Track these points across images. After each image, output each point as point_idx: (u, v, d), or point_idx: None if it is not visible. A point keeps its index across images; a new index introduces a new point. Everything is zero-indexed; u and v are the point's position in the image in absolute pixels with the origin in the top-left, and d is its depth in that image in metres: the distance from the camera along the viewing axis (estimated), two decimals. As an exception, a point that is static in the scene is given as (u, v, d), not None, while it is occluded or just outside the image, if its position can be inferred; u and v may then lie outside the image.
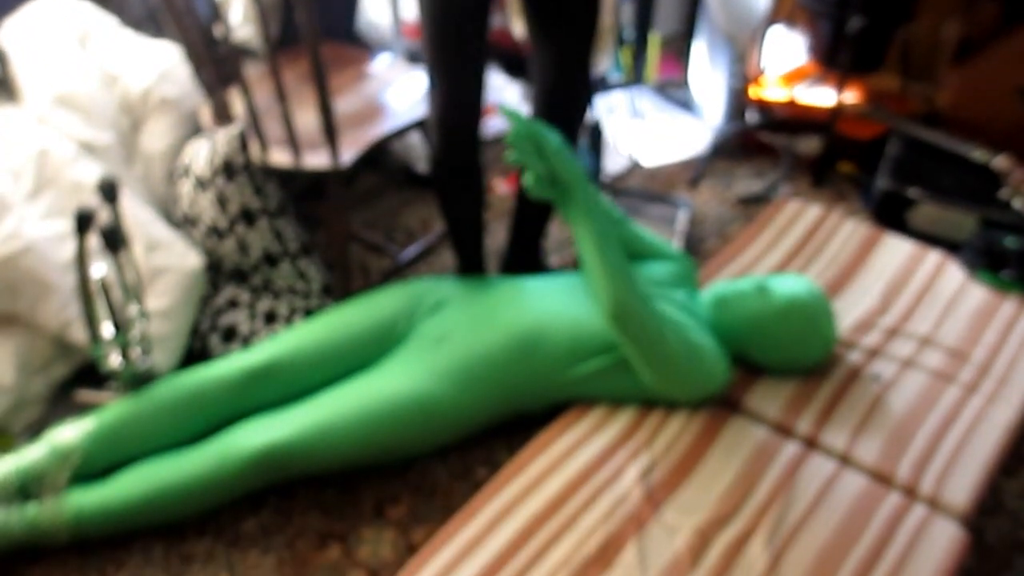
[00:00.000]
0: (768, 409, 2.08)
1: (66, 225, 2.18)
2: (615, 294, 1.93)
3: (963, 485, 1.90)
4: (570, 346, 2.09)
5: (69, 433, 1.97)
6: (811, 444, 2.01)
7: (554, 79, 2.26)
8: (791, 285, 2.15)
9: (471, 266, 2.54)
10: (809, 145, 3.32)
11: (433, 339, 2.15)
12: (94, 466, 1.97)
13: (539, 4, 2.18)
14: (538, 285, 2.29)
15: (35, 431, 2.14)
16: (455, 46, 2.11)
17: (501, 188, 3.22)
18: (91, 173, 2.26)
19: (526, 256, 2.67)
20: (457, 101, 2.20)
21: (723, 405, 2.11)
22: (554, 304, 2.18)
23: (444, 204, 2.42)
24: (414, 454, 2.14)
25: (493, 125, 3.49)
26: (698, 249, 2.92)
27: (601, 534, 1.79)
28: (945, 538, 1.78)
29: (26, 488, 1.92)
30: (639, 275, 2.24)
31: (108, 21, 2.60)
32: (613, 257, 1.96)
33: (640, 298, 1.96)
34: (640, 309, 1.95)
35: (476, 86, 2.19)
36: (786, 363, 2.13)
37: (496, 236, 2.97)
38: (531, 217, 2.56)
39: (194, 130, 2.57)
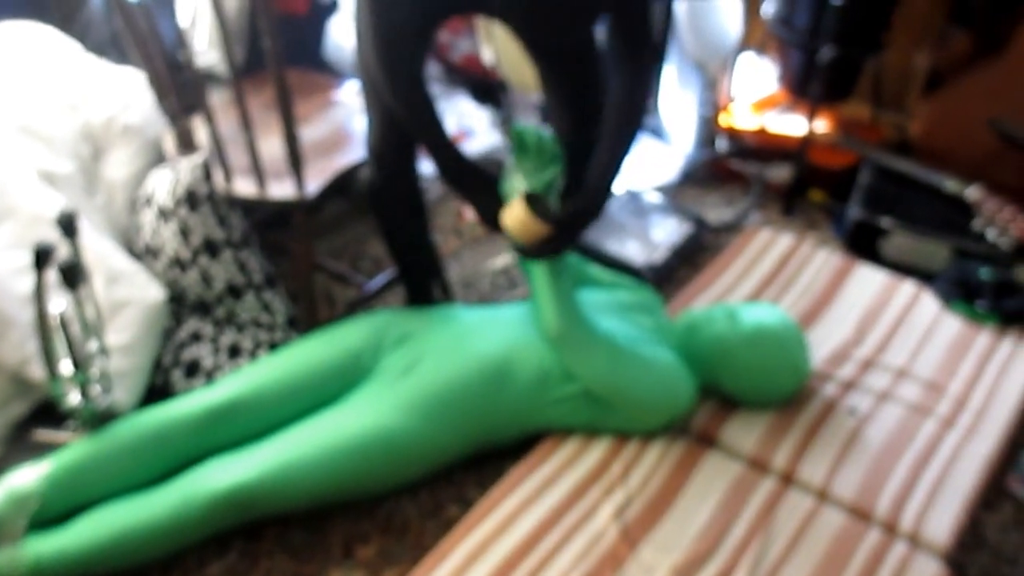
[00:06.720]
0: (744, 443, 2.06)
1: (25, 258, 2.11)
2: (556, 320, 2.01)
3: (943, 521, 1.88)
4: (539, 375, 2.08)
5: (26, 477, 1.89)
6: (788, 480, 1.98)
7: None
8: (761, 313, 2.16)
9: (418, 294, 2.51)
10: (780, 173, 3.30)
11: (399, 372, 2.11)
12: (53, 511, 1.89)
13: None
14: (505, 314, 2.27)
15: (-9, 471, 2.07)
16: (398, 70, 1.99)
17: (470, 214, 3.17)
18: (51, 204, 2.19)
19: None
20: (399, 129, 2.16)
21: (698, 439, 2.08)
22: (522, 333, 2.16)
23: (388, 233, 2.40)
24: (382, 491, 2.09)
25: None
26: (670, 277, 2.88)
27: (578, 574, 1.75)
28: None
29: None
30: (594, 301, 2.28)
31: (71, 46, 2.55)
32: (562, 285, 2.04)
33: (579, 322, 2.04)
34: (579, 333, 2.04)
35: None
36: (757, 392, 2.12)
37: (466, 264, 2.93)
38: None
39: (157, 159, 2.52)
